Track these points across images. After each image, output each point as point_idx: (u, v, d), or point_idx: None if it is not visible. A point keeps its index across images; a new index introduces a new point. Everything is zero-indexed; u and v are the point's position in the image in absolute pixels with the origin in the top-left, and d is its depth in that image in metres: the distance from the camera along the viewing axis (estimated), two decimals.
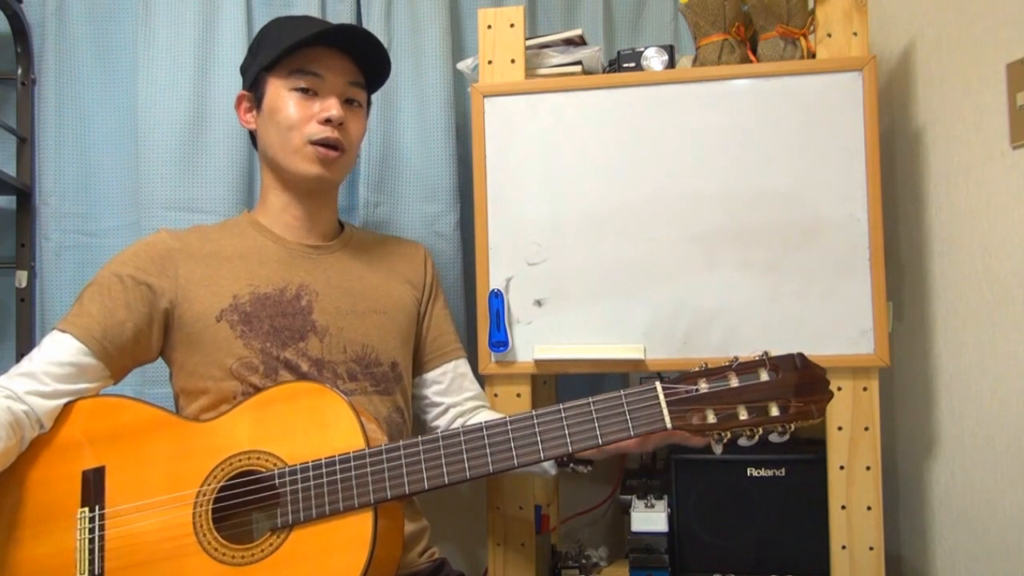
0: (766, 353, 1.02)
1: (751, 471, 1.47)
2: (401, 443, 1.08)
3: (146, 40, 1.70)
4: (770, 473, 1.47)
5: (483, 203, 1.47)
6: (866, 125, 1.37)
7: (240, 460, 1.10)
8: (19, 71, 1.75)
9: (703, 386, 1.01)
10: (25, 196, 1.74)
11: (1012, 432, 1.27)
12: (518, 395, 1.47)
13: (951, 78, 1.41)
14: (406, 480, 1.06)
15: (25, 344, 1.72)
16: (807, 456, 1.46)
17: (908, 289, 1.55)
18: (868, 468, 1.38)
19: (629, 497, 1.52)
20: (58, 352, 1.16)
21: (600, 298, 1.43)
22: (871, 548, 1.38)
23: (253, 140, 1.36)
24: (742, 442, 1.01)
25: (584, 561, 1.63)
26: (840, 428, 1.39)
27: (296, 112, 1.25)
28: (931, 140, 1.48)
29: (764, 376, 1.00)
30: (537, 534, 1.51)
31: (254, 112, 1.31)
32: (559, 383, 1.77)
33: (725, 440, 1.02)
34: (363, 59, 1.31)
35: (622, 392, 1.06)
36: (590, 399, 1.06)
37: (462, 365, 1.43)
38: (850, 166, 1.38)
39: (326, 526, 1.06)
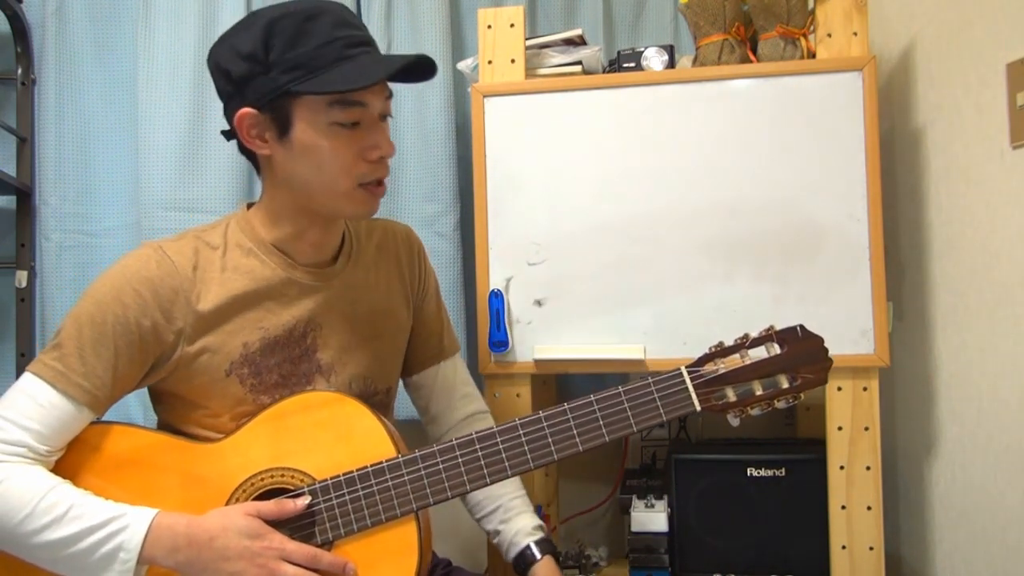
0: (772, 327, 1.07)
1: (751, 471, 1.47)
2: (436, 448, 1.05)
3: (146, 40, 1.70)
4: (770, 473, 1.47)
5: (483, 203, 1.47)
6: (866, 125, 1.37)
7: (263, 479, 1.05)
8: (19, 71, 1.75)
9: (721, 366, 1.05)
10: (25, 196, 1.74)
11: (1012, 432, 1.26)
12: (518, 395, 1.47)
13: (951, 78, 1.41)
14: (447, 484, 1.04)
15: (25, 344, 1.73)
16: (807, 456, 1.46)
17: (908, 289, 1.55)
18: (868, 468, 1.38)
19: (629, 497, 1.52)
20: (70, 421, 1.04)
21: (600, 298, 1.43)
22: (871, 548, 1.38)
23: (252, 159, 1.14)
24: (755, 412, 1.06)
25: (584, 561, 1.63)
26: (840, 428, 1.39)
27: (344, 154, 1.06)
28: (931, 140, 1.47)
29: (773, 350, 1.05)
30: None
31: (271, 135, 1.07)
32: (559, 383, 1.76)
33: (743, 415, 1.07)
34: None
35: (650, 379, 1.05)
36: (620, 388, 1.05)
37: (447, 365, 1.33)
38: (850, 166, 1.38)
39: (370, 538, 1.03)
